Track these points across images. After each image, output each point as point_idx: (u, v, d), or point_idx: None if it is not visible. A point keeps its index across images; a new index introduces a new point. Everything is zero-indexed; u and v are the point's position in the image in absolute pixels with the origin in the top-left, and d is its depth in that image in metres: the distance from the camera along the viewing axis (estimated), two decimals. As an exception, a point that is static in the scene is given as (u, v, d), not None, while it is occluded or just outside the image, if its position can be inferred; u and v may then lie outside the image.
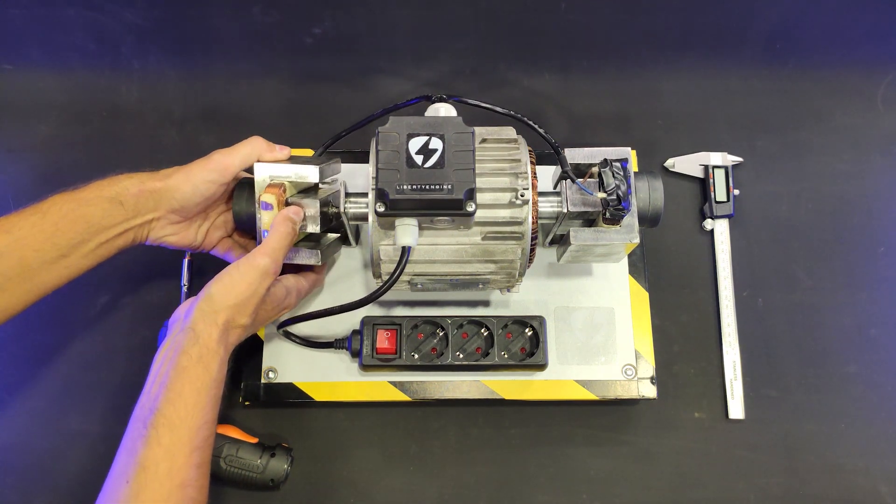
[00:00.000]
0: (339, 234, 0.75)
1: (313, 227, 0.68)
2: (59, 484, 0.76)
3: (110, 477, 0.54)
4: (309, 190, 0.70)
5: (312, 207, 0.67)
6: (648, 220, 0.74)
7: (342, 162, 0.82)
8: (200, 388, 0.57)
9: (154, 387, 0.57)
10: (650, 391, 0.76)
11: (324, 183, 0.71)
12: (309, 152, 0.78)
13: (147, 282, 0.83)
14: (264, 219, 0.66)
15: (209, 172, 0.67)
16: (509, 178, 0.67)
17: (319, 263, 0.69)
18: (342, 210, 0.69)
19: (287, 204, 0.68)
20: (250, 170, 0.69)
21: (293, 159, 0.70)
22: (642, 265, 0.81)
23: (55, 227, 0.62)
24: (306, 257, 0.69)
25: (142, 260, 0.83)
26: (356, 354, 0.75)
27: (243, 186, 0.71)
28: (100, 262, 0.66)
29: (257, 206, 0.68)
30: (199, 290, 0.71)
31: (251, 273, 0.62)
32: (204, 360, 0.58)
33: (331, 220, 0.71)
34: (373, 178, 0.62)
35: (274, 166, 0.68)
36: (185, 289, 0.78)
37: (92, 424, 0.78)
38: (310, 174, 0.67)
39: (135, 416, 0.56)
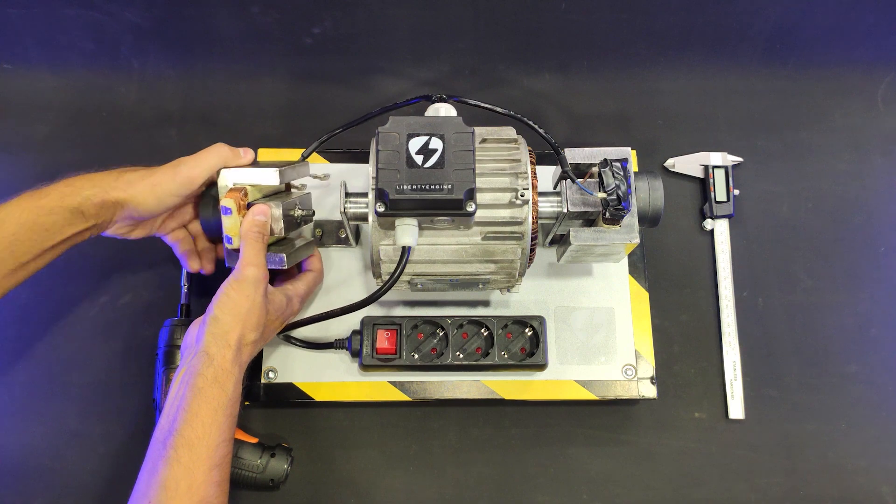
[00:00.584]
0: (311, 238, 0.76)
1: (276, 231, 0.68)
2: (58, 484, 0.76)
3: (132, 498, 0.55)
4: (275, 194, 0.71)
5: (276, 211, 0.67)
6: (648, 220, 0.74)
7: (343, 162, 0.82)
8: (217, 408, 0.58)
9: (172, 409, 0.58)
10: (650, 391, 0.76)
11: (294, 188, 0.73)
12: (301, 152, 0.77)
13: (147, 281, 0.83)
14: (226, 224, 0.67)
15: (177, 187, 0.67)
16: (509, 178, 0.67)
17: (285, 267, 0.68)
18: (342, 210, 0.69)
19: (249, 207, 0.68)
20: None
21: (257, 164, 0.70)
22: (642, 265, 0.80)
23: (14, 236, 0.62)
24: (272, 263, 0.68)
25: (142, 260, 0.83)
26: (356, 354, 0.75)
27: (209, 194, 0.71)
28: (55, 259, 0.67)
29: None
30: (189, 290, 0.71)
31: (244, 286, 0.62)
32: (219, 380, 0.59)
33: (298, 224, 0.71)
34: (373, 178, 0.62)
35: (236, 172, 0.69)
36: (185, 289, 0.78)
37: (92, 424, 0.78)
38: (269, 178, 0.68)
39: (154, 437, 0.57)
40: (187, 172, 0.67)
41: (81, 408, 0.78)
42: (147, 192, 0.67)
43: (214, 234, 0.71)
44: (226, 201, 0.66)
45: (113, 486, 0.76)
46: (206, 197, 0.71)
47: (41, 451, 0.77)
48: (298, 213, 0.70)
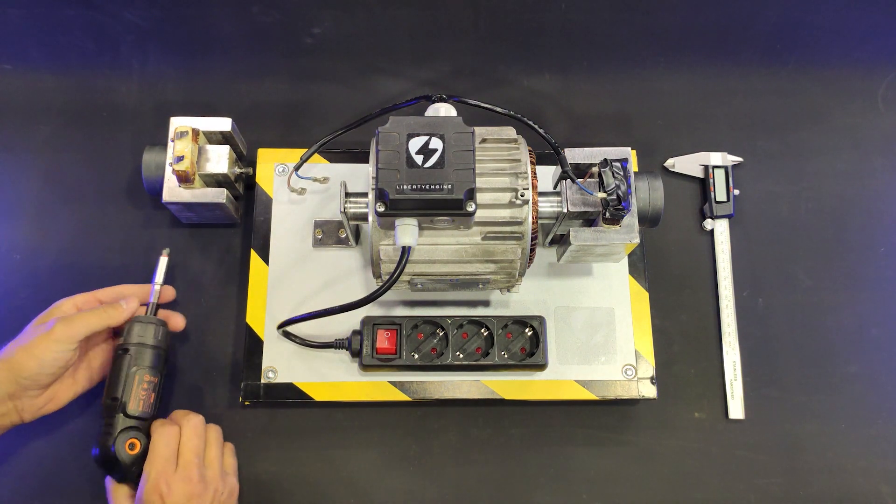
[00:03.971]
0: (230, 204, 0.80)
1: (220, 168, 0.76)
2: (59, 484, 0.76)
3: None
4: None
5: (223, 149, 0.77)
6: (648, 220, 0.74)
7: (343, 162, 0.83)
8: None
9: None
10: (650, 391, 0.76)
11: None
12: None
13: (148, 282, 0.82)
14: (177, 146, 0.73)
15: (56, 344, 0.65)
16: (509, 178, 0.67)
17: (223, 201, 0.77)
18: (342, 210, 0.69)
19: (200, 150, 0.76)
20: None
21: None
22: (642, 265, 0.80)
23: None
24: (213, 196, 0.76)
25: (141, 261, 0.83)
26: (356, 354, 0.75)
27: (152, 150, 0.77)
28: None
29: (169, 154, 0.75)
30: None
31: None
32: None
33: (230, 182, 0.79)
34: (373, 178, 0.62)
35: (189, 118, 0.77)
36: (156, 287, 0.74)
37: (92, 424, 0.77)
38: (221, 124, 0.77)
39: None
40: (63, 331, 0.65)
41: (81, 408, 0.78)
42: (24, 357, 0.64)
43: (153, 190, 0.77)
44: (182, 127, 0.74)
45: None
46: (149, 152, 0.77)
47: (41, 452, 0.77)
48: (235, 170, 0.79)
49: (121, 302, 0.70)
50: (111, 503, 0.66)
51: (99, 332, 0.70)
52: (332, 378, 0.76)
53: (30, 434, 0.77)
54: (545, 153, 0.82)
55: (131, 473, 0.67)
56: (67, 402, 0.70)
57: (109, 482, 0.68)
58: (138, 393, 0.68)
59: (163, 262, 0.75)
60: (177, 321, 0.74)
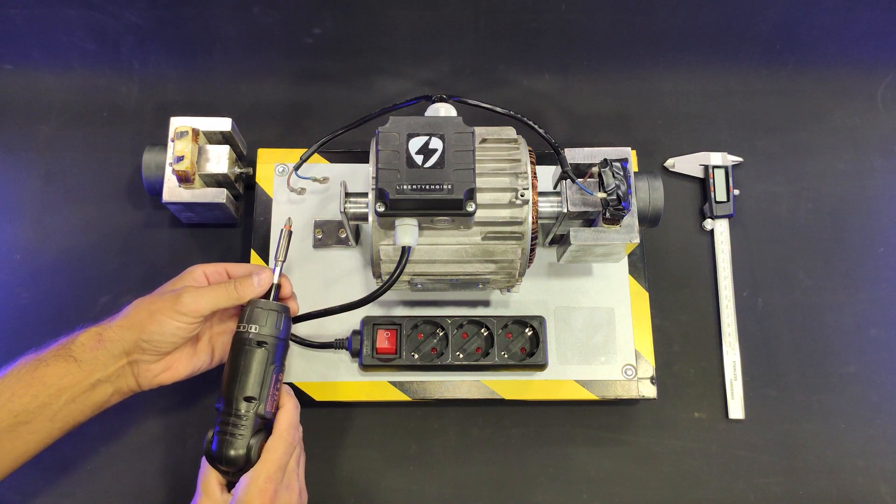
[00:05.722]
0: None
1: (220, 168, 0.77)
2: (59, 484, 0.76)
3: None
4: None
5: (223, 149, 0.77)
6: (648, 220, 0.74)
7: (343, 162, 0.83)
8: None
9: None
10: (650, 391, 0.76)
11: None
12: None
13: (148, 282, 0.82)
14: (177, 146, 0.74)
15: (180, 315, 0.62)
16: (509, 178, 0.67)
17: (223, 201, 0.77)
18: (342, 210, 0.69)
19: (200, 150, 0.76)
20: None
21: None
22: (642, 265, 0.81)
23: (11, 391, 0.60)
24: (213, 196, 0.77)
25: (142, 259, 0.83)
26: (356, 354, 0.75)
27: (152, 150, 0.77)
28: (83, 420, 0.64)
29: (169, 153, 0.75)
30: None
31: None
32: None
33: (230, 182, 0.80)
34: (373, 178, 0.62)
35: (190, 118, 0.77)
36: (280, 264, 0.67)
37: (92, 423, 0.77)
38: (221, 124, 0.78)
39: None
40: (190, 303, 0.62)
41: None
42: (145, 319, 0.62)
43: (154, 191, 0.77)
44: (182, 127, 0.75)
45: (113, 485, 0.76)
46: (149, 152, 0.78)
47: (41, 451, 0.77)
48: (236, 170, 0.79)
49: (253, 277, 0.65)
50: (201, 484, 0.62)
51: (225, 309, 0.67)
52: (332, 378, 0.76)
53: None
54: (545, 153, 0.82)
55: (241, 471, 0.62)
56: (185, 377, 0.67)
57: (205, 462, 0.63)
58: (273, 393, 0.63)
59: (285, 234, 0.68)
60: (295, 306, 0.70)
